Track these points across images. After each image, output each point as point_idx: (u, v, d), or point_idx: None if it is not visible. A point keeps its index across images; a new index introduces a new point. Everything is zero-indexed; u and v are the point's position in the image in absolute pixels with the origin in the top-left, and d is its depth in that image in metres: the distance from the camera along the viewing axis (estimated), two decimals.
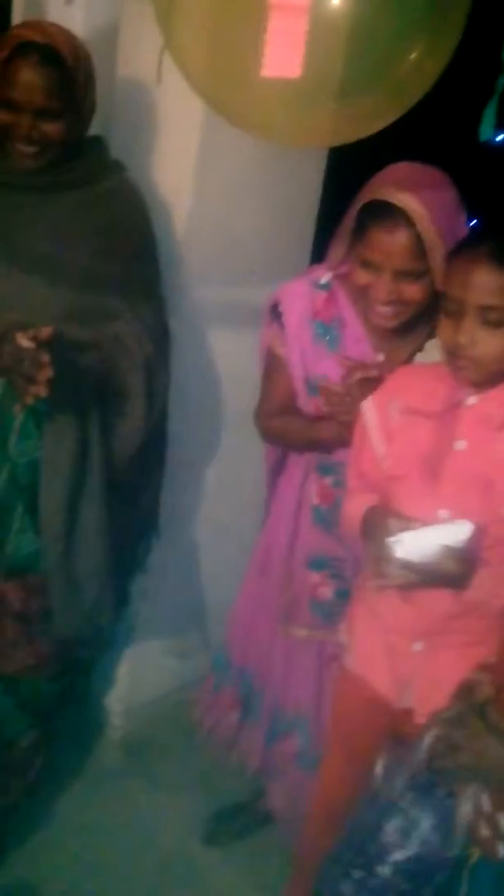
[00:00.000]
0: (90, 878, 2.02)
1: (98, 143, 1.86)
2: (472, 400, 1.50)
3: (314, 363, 1.78)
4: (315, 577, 1.94)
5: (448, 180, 1.64)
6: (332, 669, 1.93)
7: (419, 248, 1.56)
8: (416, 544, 1.42)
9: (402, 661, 1.59)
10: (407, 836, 1.32)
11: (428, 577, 1.44)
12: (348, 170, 1.76)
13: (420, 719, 1.50)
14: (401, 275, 1.59)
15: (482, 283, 1.39)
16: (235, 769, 2.18)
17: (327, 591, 1.93)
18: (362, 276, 1.63)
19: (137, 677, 2.42)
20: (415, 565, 1.43)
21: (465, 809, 1.28)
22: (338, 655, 1.81)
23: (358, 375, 1.70)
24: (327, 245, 1.81)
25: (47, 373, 1.53)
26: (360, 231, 1.62)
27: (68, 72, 1.68)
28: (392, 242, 1.57)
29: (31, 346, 1.55)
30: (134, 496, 1.99)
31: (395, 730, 1.57)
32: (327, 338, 1.76)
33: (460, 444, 1.50)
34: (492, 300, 1.40)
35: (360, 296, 1.68)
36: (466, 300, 1.41)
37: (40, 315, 1.68)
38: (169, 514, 2.16)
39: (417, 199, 1.55)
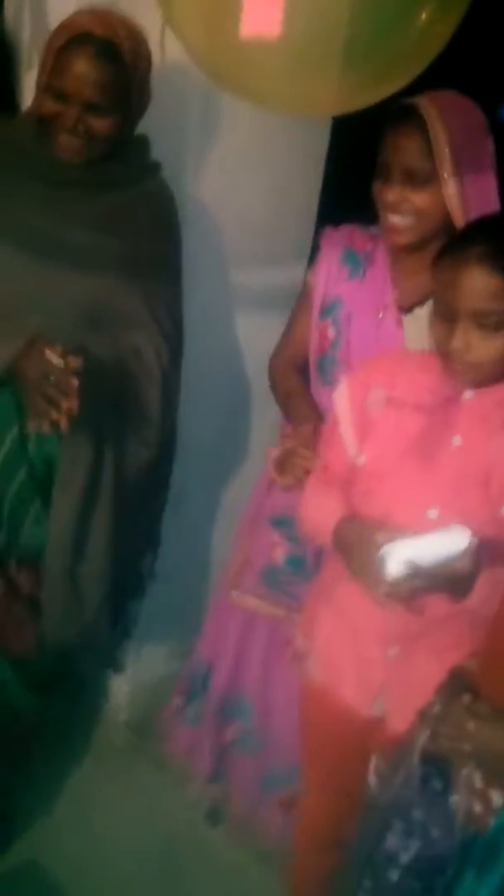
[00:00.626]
0: (96, 856, 2.02)
1: (142, 142, 1.82)
2: (468, 395, 1.42)
3: (334, 283, 1.78)
4: (274, 535, 1.91)
5: (477, 107, 1.66)
6: (282, 654, 1.88)
7: (427, 149, 1.58)
8: (416, 554, 1.34)
9: (373, 668, 1.51)
10: (409, 837, 1.29)
11: (435, 583, 1.37)
12: (352, 152, 1.75)
13: (393, 728, 1.44)
14: (409, 177, 1.60)
15: (474, 287, 1.32)
16: None
17: (279, 555, 1.90)
18: (377, 189, 1.66)
19: (142, 658, 2.41)
20: (422, 572, 1.35)
21: (461, 797, 1.26)
22: (290, 641, 1.76)
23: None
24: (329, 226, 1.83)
25: (73, 403, 1.51)
26: None
27: (124, 69, 1.63)
28: (401, 140, 1.60)
29: (60, 364, 1.53)
30: (140, 509, 1.94)
31: (366, 741, 1.51)
32: (352, 262, 1.77)
33: (457, 440, 1.42)
34: (485, 305, 1.32)
35: (380, 213, 1.68)
36: (459, 305, 1.34)
37: (62, 315, 1.67)
38: (177, 497, 2.13)
39: (434, 103, 1.59)
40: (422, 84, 1.44)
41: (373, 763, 1.38)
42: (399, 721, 1.43)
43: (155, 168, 1.85)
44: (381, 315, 1.73)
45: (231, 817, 2.13)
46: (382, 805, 1.33)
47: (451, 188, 1.59)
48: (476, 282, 1.32)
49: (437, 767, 1.29)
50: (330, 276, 1.79)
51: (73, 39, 1.62)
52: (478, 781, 1.25)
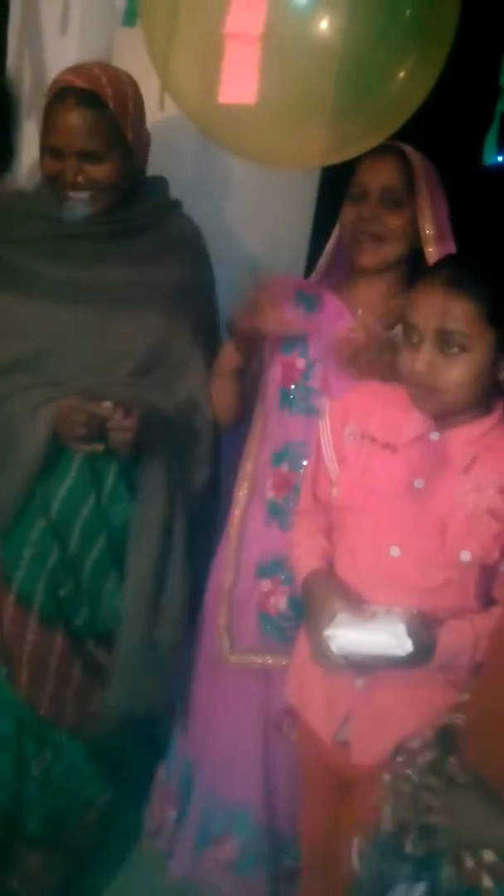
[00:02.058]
0: None
1: (159, 183, 1.86)
2: (434, 436, 1.46)
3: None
4: (265, 584, 1.85)
5: None
6: (283, 731, 1.84)
7: (404, 174, 1.71)
8: (356, 643, 1.37)
9: (340, 696, 1.53)
10: None
11: (378, 665, 1.40)
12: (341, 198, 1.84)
13: (357, 756, 1.49)
14: (385, 198, 1.71)
15: (438, 306, 1.38)
16: None
17: (280, 601, 1.83)
18: (349, 212, 1.76)
19: None
20: (360, 657, 1.39)
21: (447, 866, 1.24)
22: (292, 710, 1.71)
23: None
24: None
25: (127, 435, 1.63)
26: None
27: (109, 113, 1.67)
28: (381, 163, 1.72)
29: (106, 413, 1.62)
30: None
31: (335, 764, 1.54)
32: (305, 301, 1.83)
33: (419, 483, 1.45)
34: (448, 324, 1.38)
35: (348, 237, 1.77)
36: (424, 325, 1.40)
37: (117, 369, 1.75)
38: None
39: (406, 146, 1.72)
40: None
41: (354, 845, 1.37)
42: (361, 750, 1.49)
43: (177, 206, 1.89)
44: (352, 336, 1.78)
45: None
46: (370, 881, 1.32)
47: (426, 208, 1.71)
48: (440, 301, 1.39)
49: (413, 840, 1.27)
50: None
51: (57, 95, 1.68)
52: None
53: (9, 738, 1.80)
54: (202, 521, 1.94)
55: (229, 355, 1.79)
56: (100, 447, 1.67)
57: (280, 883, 1.92)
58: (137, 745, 1.99)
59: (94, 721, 1.84)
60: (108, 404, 1.64)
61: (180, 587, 1.83)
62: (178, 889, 1.99)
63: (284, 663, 1.74)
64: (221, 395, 1.85)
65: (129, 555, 1.79)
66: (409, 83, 1.38)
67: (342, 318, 1.81)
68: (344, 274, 1.86)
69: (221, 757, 1.91)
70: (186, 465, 1.84)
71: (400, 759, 1.38)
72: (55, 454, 1.74)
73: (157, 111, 1.73)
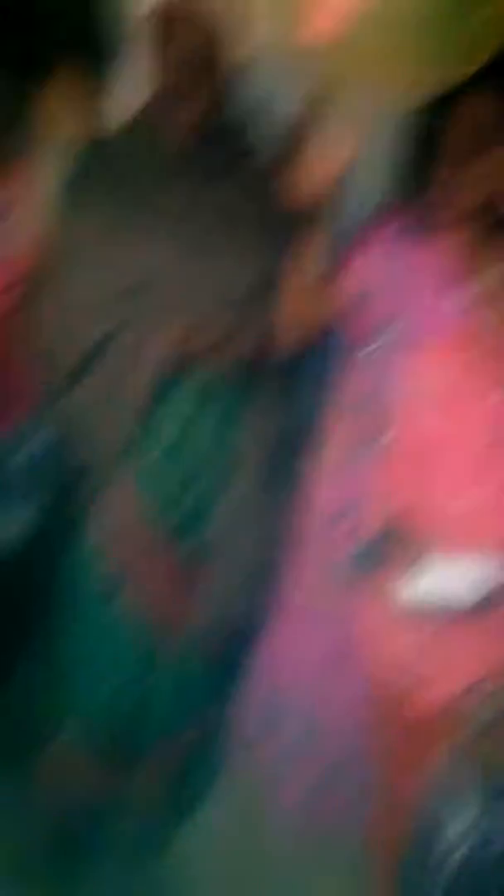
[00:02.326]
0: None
1: (250, 119, 1.90)
2: None
3: None
4: (341, 526, 1.87)
5: None
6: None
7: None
8: (431, 588, 1.43)
9: (413, 638, 1.57)
10: (466, 837, 1.32)
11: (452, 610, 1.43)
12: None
13: (428, 696, 1.51)
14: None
15: None
16: None
17: (355, 543, 1.84)
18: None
19: None
20: (432, 602, 1.42)
21: None
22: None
23: None
24: None
25: None
26: None
27: (204, 48, 1.72)
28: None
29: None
30: None
31: (403, 705, 1.56)
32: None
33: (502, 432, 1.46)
34: None
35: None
36: None
37: (220, 301, 1.81)
38: None
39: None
40: None
41: (422, 781, 1.42)
42: (432, 690, 1.52)
43: (266, 142, 1.91)
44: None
45: None
46: (434, 803, 1.37)
47: None
48: None
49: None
50: None
51: (151, 30, 1.72)
52: None
53: (127, 656, 1.92)
54: (288, 460, 1.98)
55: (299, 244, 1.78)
56: (216, 370, 1.76)
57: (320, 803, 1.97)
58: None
59: (194, 631, 1.93)
60: (222, 327, 1.71)
61: (274, 511, 1.91)
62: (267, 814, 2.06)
63: (356, 605, 1.78)
64: (300, 297, 1.86)
65: (232, 475, 1.88)
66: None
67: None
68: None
69: (281, 679, 1.97)
70: (289, 391, 1.92)
71: (472, 700, 1.41)
72: (168, 381, 1.82)
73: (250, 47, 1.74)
